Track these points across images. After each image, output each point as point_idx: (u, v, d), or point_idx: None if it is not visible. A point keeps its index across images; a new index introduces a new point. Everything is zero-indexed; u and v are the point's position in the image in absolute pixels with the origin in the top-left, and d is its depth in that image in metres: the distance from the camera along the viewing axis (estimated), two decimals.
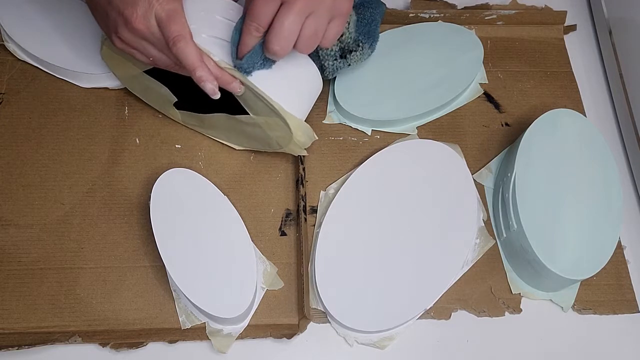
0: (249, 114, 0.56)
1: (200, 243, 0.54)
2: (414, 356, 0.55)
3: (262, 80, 0.52)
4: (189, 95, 0.56)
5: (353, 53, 0.60)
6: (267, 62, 0.51)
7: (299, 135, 0.55)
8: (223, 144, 0.63)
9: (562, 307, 0.58)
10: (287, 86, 0.54)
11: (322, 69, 0.61)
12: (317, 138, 0.57)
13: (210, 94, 0.51)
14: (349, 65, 0.61)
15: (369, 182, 0.60)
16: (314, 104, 0.60)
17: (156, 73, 0.57)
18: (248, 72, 0.51)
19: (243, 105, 0.55)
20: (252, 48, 0.49)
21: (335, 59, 0.60)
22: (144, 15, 0.48)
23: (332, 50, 0.59)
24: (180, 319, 0.55)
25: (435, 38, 0.68)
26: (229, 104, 0.55)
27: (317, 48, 0.56)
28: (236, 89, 0.52)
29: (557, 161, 0.58)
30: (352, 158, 0.63)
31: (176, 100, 0.60)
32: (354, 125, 0.65)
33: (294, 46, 0.49)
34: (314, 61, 0.59)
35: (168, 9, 0.49)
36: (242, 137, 0.61)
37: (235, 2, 0.54)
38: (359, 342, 0.55)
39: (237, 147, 0.63)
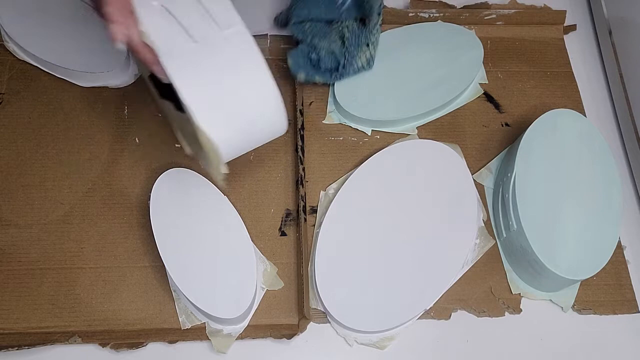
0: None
1: (200, 243, 0.54)
2: (414, 356, 0.55)
3: (183, 74, 0.42)
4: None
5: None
6: None
7: (208, 152, 0.45)
8: None
9: (562, 307, 0.58)
10: (219, 97, 0.43)
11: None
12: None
13: (112, 38, 0.42)
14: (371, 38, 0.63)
15: (369, 182, 0.60)
16: (315, 103, 0.60)
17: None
18: None
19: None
20: None
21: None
22: None
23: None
24: (180, 319, 0.55)
25: (435, 38, 0.68)
26: (175, 95, 0.44)
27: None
28: (159, 72, 0.43)
29: (557, 161, 0.58)
30: (352, 158, 0.63)
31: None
32: (354, 125, 0.65)
33: None
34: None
35: None
36: (190, 141, 0.53)
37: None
38: (359, 342, 0.55)
39: (188, 149, 0.55)
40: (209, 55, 0.42)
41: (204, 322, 0.55)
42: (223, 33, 0.43)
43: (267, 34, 0.68)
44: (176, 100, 0.45)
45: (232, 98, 0.43)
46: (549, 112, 0.60)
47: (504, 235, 0.59)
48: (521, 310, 0.57)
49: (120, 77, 0.65)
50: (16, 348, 0.52)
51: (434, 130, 0.65)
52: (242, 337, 0.54)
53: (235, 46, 0.43)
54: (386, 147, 0.62)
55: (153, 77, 0.48)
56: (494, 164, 0.64)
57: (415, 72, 0.66)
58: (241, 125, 0.45)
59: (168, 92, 0.45)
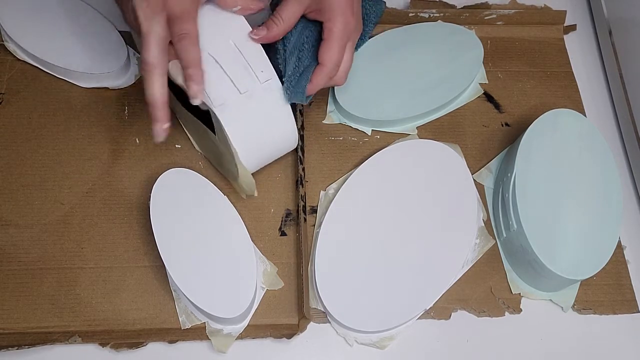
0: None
1: (200, 243, 0.54)
2: (414, 356, 0.55)
3: (233, 123, 0.51)
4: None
5: None
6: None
7: (243, 182, 0.55)
8: None
9: (562, 307, 0.58)
10: (255, 138, 0.53)
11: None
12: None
13: (191, 95, 0.50)
14: None
15: (368, 182, 0.60)
16: (315, 103, 0.60)
17: None
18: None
19: (214, 125, 0.54)
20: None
21: None
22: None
23: None
24: (180, 319, 0.55)
25: (435, 38, 0.68)
26: (207, 116, 0.54)
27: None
28: (201, 104, 0.50)
29: (557, 161, 0.58)
30: (352, 158, 0.63)
31: None
32: (354, 125, 0.65)
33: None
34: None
35: (182, 8, 0.49)
36: (206, 147, 0.61)
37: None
38: (359, 342, 0.55)
39: (197, 148, 0.63)
40: (252, 107, 0.52)
41: (204, 322, 0.55)
42: (262, 85, 0.52)
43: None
44: (204, 118, 0.54)
45: (265, 137, 0.54)
46: (549, 112, 0.60)
47: (504, 235, 0.59)
48: (521, 310, 0.57)
49: (121, 78, 0.65)
50: (16, 348, 0.52)
51: (434, 130, 0.65)
52: (242, 336, 0.54)
53: (269, 94, 0.53)
54: (386, 147, 0.62)
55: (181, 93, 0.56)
56: (494, 164, 0.64)
57: (415, 72, 0.66)
58: (269, 157, 0.57)
59: (195, 109, 0.53)
